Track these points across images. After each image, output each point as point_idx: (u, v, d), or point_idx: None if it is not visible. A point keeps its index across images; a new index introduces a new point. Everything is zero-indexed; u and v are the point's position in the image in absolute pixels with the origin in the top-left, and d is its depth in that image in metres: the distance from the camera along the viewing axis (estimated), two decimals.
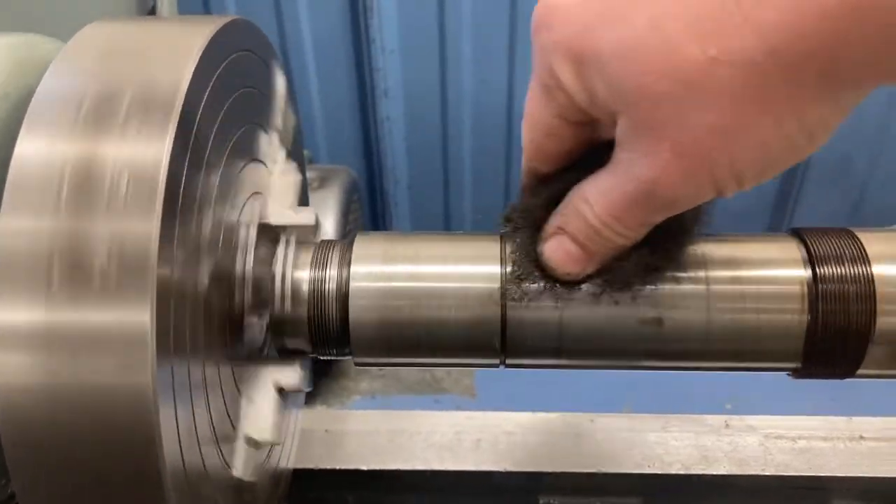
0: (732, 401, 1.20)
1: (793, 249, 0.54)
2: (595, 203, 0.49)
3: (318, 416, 0.91)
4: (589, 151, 0.51)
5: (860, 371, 0.54)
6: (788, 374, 0.57)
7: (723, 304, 0.52)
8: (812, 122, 0.43)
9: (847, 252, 0.53)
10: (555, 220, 0.52)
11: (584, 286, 0.53)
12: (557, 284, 0.53)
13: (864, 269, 0.52)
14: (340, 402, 1.29)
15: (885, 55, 0.39)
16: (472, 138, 1.74)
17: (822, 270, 0.52)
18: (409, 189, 1.83)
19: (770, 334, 0.53)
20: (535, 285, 0.53)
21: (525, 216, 0.54)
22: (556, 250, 0.52)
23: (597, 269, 0.52)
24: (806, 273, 0.53)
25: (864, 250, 0.53)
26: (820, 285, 0.52)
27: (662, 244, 0.52)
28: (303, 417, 0.85)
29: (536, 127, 0.51)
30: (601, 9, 0.44)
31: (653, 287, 0.53)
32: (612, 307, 0.53)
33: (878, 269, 0.52)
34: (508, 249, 0.55)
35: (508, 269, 0.54)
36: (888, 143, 1.75)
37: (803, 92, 0.41)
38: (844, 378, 0.55)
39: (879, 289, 0.52)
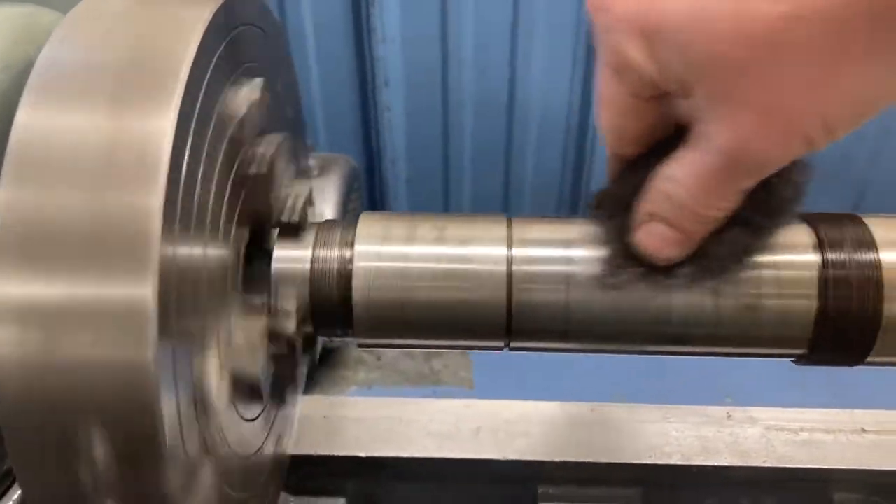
0: (732, 393, 1.20)
1: (803, 234, 0.53)
2: (683, 181, 0.47)
3: (315, 403, 0.90)
4: (666, 138, 0.50)
5: (868, 359, 0.53)
6: (793, 361, 0.56)
7: (732, 289, 0.52)
8: None
9: (857, 237, 0.52)
10: (643, 207, 0.50)
11: (680, 271, 0.51)
12: (653, 271, 0.51)
13: (874, 255, 0.52)
14: (338, 392, 1.28)
15: None
16: (473, 128, 1.73)
17: (832, 256, 0.52)
18: (407, 180, 1.82)
19: (780, 320, 0.52)
20: (628, 274, 0.52)
21: (616, 204, 0.52)
22: (650, 236, 0.50)
23: (694, 252, 0.50)
24: (817, 258, 0.52)
25: (872, 236, 0.53)
26: (831, 270, 0.51)
27: (756, 222, 0.50)
28: (301, 404, 0.85)
29: (612, 109, 0.50)
30: None
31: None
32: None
33: (886, 255, 0.52)
34: (602, 238, 0.53)
35: (605, 256, 0.52)
36: (888, 142, 1.74)
37: (887, 34, 0.39)
38: (852, 366, 0.54)
39: (887, 274, 0.51)
